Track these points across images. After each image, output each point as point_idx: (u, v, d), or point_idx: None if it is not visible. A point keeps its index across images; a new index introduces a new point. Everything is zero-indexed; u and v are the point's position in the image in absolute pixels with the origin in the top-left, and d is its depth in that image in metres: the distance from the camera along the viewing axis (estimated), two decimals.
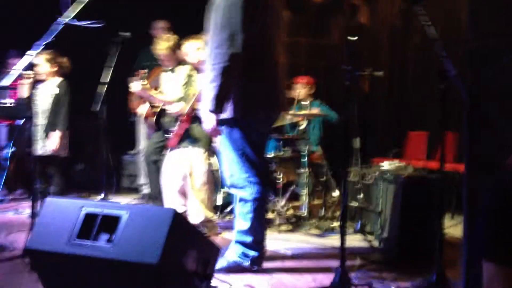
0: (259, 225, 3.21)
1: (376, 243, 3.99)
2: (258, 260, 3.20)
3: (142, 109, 5.20)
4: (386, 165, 4.17)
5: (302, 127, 5.59)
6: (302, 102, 5.78)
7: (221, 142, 3.28)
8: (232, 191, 3.29)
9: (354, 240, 4.16)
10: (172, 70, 4.75)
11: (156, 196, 5.34)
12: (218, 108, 3.02)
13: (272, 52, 3.20)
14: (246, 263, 3.17)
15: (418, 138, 6.25)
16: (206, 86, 3.06)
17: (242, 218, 3.21)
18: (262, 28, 3.08)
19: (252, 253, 3.18)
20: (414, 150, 6.19)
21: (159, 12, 6.22)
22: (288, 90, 5.87)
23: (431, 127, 6.03)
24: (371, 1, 6.85)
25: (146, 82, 4.60)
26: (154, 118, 4.96)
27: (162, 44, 4.70)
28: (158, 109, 4.92)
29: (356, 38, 2.87)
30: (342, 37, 7.16)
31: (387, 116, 6.85)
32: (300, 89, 5.77)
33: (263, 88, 3.15)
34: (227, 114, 3.10)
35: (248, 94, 3.10)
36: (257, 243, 3.20)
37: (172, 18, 6.06)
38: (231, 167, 3.22)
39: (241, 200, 3.21)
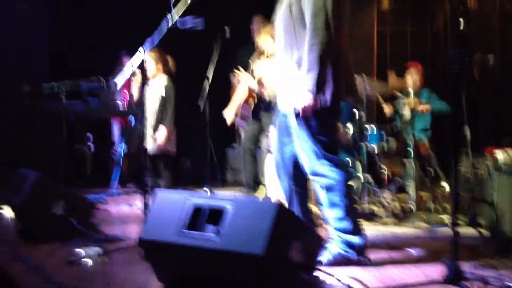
0: (351, 209, 3.15)
1: (490, 236, 3.78)
2: (362, 250, 3.13)
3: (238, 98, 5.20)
4: (500, 154, 3.94)
5: (406, 118, 5.38)
6: (411, 90, 5.55)
7: (296, 133, 3.22)
8: (314, 179, 3.23)
9: (467, 233, 3.97)
10: None
11: (250, 184, 5.39)
12: (319, 91, 3.01)
13: (345, 41, 3.18)
14: (351, 254, 3.11)
15: None
16: (303, 71, 3.03)
17: (330, 206, 3.15)
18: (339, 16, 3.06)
19: (355, 239, 3.12)
20: None
21: (257, 7, 6.27)
22: (399, 76, 5.68)
23: None
24: None
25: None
26: (251, 107, 5.01)
27: (267, 34, 4.72)
28: (255, 99, 4.97)
29: (465, 21, 2.72)
30: (447, 23, 6.86)
31: (499, 103, 6.47)
32: (415, 76, 5.55)
33: (344, 78, 3.14)
34: (315, 103, 3.06)
35: (335, 83, 3.06)
36: (357, 228, 3.14)
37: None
38: (310, 155, 3.17)
39: (324, 188, 3.16)
